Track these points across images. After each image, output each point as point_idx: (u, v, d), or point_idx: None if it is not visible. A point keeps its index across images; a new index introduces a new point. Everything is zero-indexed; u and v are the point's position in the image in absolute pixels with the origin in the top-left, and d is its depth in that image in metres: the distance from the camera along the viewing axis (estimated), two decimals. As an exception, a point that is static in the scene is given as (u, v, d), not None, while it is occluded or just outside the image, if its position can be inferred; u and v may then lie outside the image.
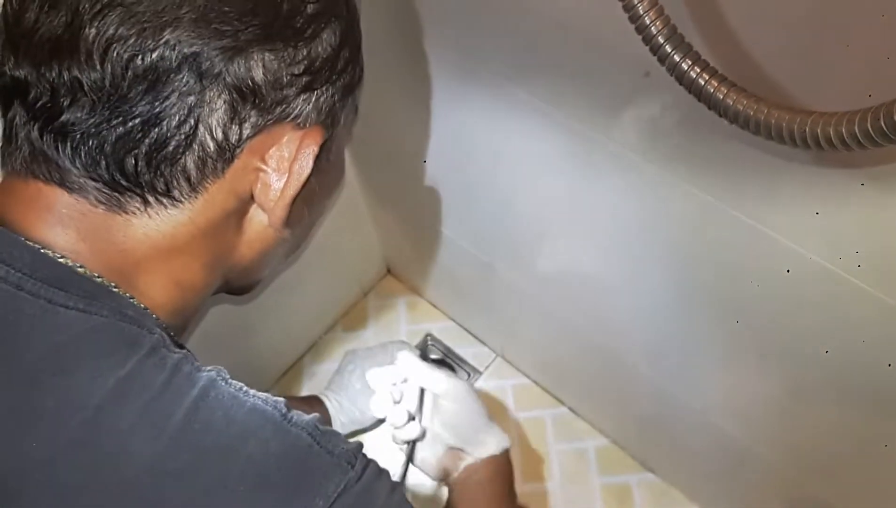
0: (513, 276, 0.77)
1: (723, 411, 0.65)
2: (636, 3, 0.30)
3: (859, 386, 0.48)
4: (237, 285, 0.45)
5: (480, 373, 0.94)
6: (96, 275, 0.34)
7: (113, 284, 0.35)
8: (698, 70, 0.30)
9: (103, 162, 0.34)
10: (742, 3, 0.33)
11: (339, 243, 0.91)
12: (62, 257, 0.34)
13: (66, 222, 0.34)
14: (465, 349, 0.96)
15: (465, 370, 0.95)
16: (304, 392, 0.89)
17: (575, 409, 0.90)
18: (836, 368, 0.48)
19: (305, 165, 0.37)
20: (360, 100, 0.44)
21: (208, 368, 0.35)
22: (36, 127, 0.34)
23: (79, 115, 0.33)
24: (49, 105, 0.33)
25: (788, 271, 0.44)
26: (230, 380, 0.34)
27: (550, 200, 0.61)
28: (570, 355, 0.82)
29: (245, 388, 0.35)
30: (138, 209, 0.35)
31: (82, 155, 0.33)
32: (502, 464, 0.62)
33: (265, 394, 0.35)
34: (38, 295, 0.33)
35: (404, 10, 0.56)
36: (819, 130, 0.26)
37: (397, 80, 0.64)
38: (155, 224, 0.36)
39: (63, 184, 0.34)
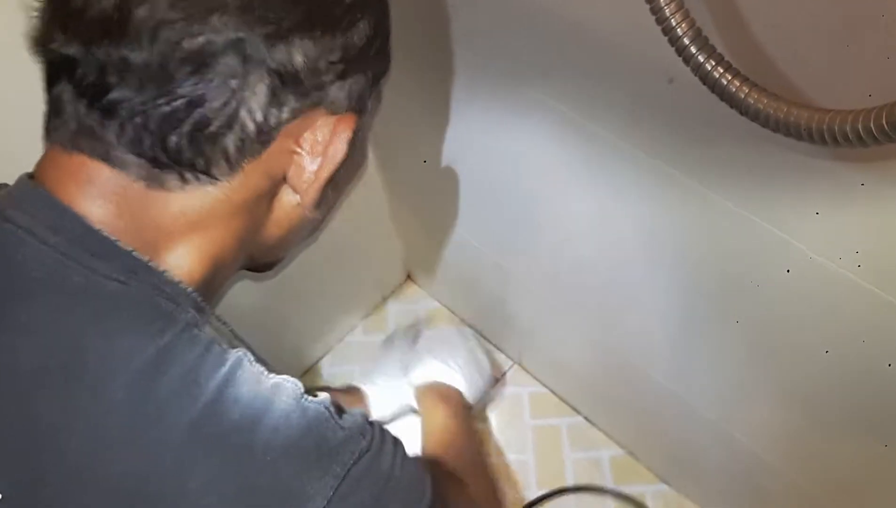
0: (532, 283, 0.78)
1: (739, 422, 0.65)
2: (663, 5, 0.31)
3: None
4: (261, 263, 0.47)
5: (497, 380, 0.95)
6: (131, 249, 0.36)
7: (148, 258, 0.36)
8: (721, 70, 0.32)
9: (147, 139, 0.35)
10: (760, 9, 0.34)
11: (361, 248, 0.93)
12: (110, 235, 0.36)
13: (107, 196, 0.36)
14: (483, 356, 0.97)
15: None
16: (323, 393, 0.90)
17: (590, 418, 0.90)
18: (857, 378, 0.49)
19: (340, 148, 0.39)
20: (384, 90, 0.45)
21: (234, 350, 0.36)
22: (83, 103, 0.35)
23: (126, 93, 0.34)
24: (97, 83, 0.34)
25: (810, 281, 0.45)
26: (254, 361, 0.37)
27: (572, 206, 0.62)
28: (587, 364, 0.82)
29: (266, 370, 0.37)
30: (177, 186, 0.36)
31: (128, 132, 0.35)
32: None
33: (284, 375, 0.37)
34: (84, 264, 0.34)
35: (429, 13, 0.57)
36: (836, 126, 0.28)
37: (420, 83, 0.66)
38: (192, 200, 0.37)
39: (106, 158, 0.35)
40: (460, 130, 0.67)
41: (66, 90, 0.35)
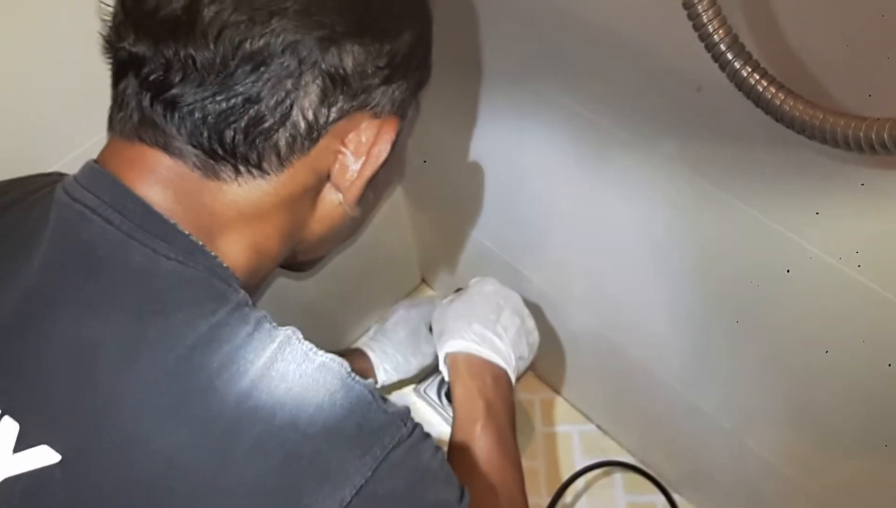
0: (546, 287, 0.78)
1: (753, 431, 0.65)
2: (700, 11, 0.32)
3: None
4: (302, 260, 0.49)
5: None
6: (188, 233, 0.38)
7: (201, 242, 0.38)
8: (757, 77, 0.32)
9: (205, 132, 0.37)
10: (795, 15, 0.35)
11: (377, 250, 0.94)
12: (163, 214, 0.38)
13: (166, 183, 0.38)
14: (495, 361, 0.97)
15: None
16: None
17: (603, 427, 0.90)
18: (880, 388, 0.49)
19: (384, 149, 0.41)
20: (423, 99, 0.47)
21: (284, 328, 0.38)
22: (148, 97, 0.37)
23: (188, 89, 0.36)
24: (161, 79, 0.36)
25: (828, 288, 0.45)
26: (303, 339, 0.38)
27: (588, 210, 0.62)
28: (600, 370, 0.82)
29: (314, 347, 0.38)
30: (230, 177, 0.39)
31: (188, 125, 0.37)
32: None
33: (331, 354, 0.38)
34: (146, 244, 0.36)
35: (453, 17, 0.58)
36: (874, 134, 0.28)
37: (440, 87, 0.65)
38: (243, 192, 0.39)
39: (166, 149, 0.38)
40: (480, 134, 0.67)
41: (131, 85, 0.38)
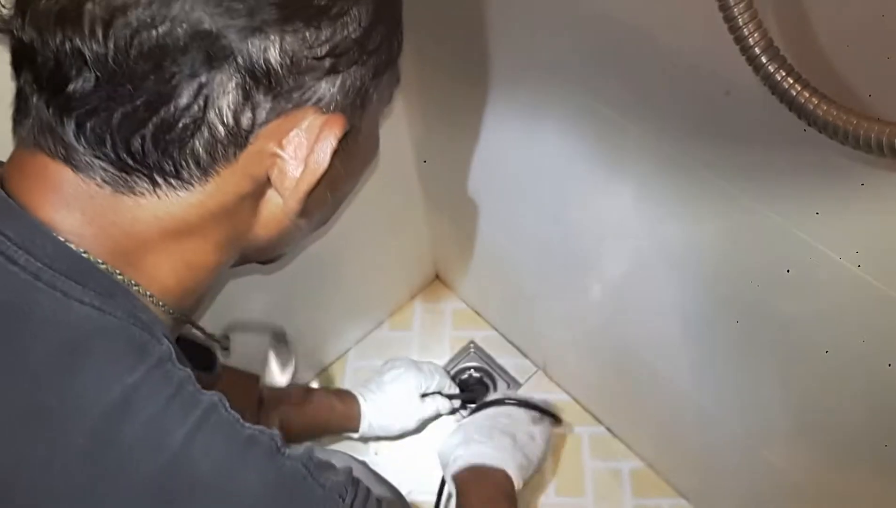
0: (560, 289, 0.78)
1: (766, 437, 0.65)
2: (736, 14, 0.32)
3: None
4: (257, 260, 0.44)
5: (520, 384, 0.95)
6: (100, 261, 0.33)
7: (118, 271, 0.34)
8: (791, 81, 0.32)
9: (109, 140, 0.32)
10: (828, 19, 0.35)
11: (393, 245, 0.94)
12: (77, 247, 0.33)
13: (72, 204, 0.33)
14: (507, 360, 0.98)
15: (505, 381, 0.96)
16: (346, 386, 0.91)
17: (613, 429, 0.90)
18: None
19: (322, 158, 0.35)
20: (400, 70, 0.40)
21: (209, 393, 0.34)
22: (43, 97, 0.32)
23: (83, 88, 0.31)
24: (54, 74, 0.31)
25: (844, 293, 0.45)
26: (229, 408, 0.33)
27: (604, 210, 0.62)
28: (612, 372, 0.82)
29: (241, 419, 0.34)
30: (147, 190, 0.33)
31: (87, 131, 0.31)
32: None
33: (261, 426, 0.34)
34: (55, 287, 0.31)
35: (477, 15, 0.58)
36: (909, 141, 0.28)
37: (459, 86, 0.66)
38: (165, 206, 0.34)
39: (69, 161, 0.32)
40: (499, 133, 0.67)
41: (27, 82, 0.33)
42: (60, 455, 0.30)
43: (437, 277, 1.06)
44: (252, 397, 0.66)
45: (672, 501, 0.84)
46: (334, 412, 0.81)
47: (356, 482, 0.35)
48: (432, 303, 1.04)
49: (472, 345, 0.99)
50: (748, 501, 0.76)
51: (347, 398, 0.82)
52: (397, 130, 0.79)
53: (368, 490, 0.36)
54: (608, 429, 0.90)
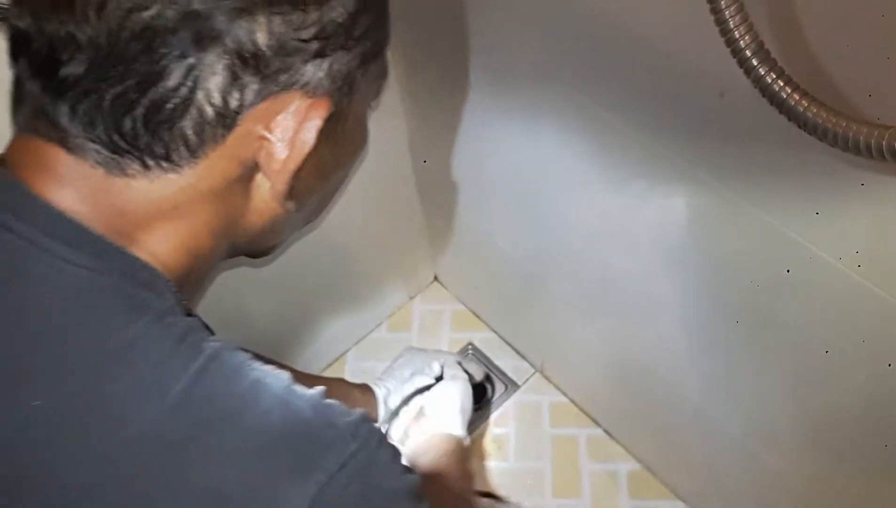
0: (558, 290, 0.79)
1: (764, 441, 0.65)
2: (728, 18, 0.32)
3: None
4: (249, 252, 0.44)
5: (518, 386, 0.95)
6: (100, 233, 0.34)
7: (117, 243, 0.34)
8: (781, 84, 0.32)
9: (101, 122, 0.32)
10: (819, 23, 0.35)
11: (392, 247, 0.95)
12: (72, 217, 0.34)
13: (66, 183, 0.34)
14: (505, 362, 0.98)
15: (503, 383, 0.96)
16: (346, 387, 0.92)
17: (610, 431, 0.90)
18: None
19: (307, 139, 0.36)
20: (388, 62, 0.42)
21: (216, 338, 0.34)
22: (38, 83, 0.33)
23: (76, 71, 0.31)
24: (48, 60, 0.32)
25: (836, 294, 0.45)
26: (236, 351, 0.34)
27: (601, 212, 0.63)
28: (610, 374, 0.82)
29: (250, 360, 0.34)
30: (138, 172, 0.34)
31: (79, 114, 0.32)
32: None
33: (270, 366, 0.34)
34: (50, 251, 0.33)
35: (476, 16, 0.58)
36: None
37: (456, 86, 0.67)
38: (157, 188, 0.34)
39: (63, 143, 0.33)
40: (497, 134, 0.68)
41: (23, 68, 0.34)
42: (59, 408, 0.30)
43: (436, 278, 1.06)
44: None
45: (669, 503, 0.84)
46: (355, 401, 0.82)
47: (369, 422, 0.35)
48: (431, 304, 1.04)
49: (470, 346, 0.99)
50: (745, 503, 0.76)
51: (364, 390, 0.84)
52: (396, 130, 0.80)
53: (381, 432, 0.35)
54: (606, 431, 0.91)
